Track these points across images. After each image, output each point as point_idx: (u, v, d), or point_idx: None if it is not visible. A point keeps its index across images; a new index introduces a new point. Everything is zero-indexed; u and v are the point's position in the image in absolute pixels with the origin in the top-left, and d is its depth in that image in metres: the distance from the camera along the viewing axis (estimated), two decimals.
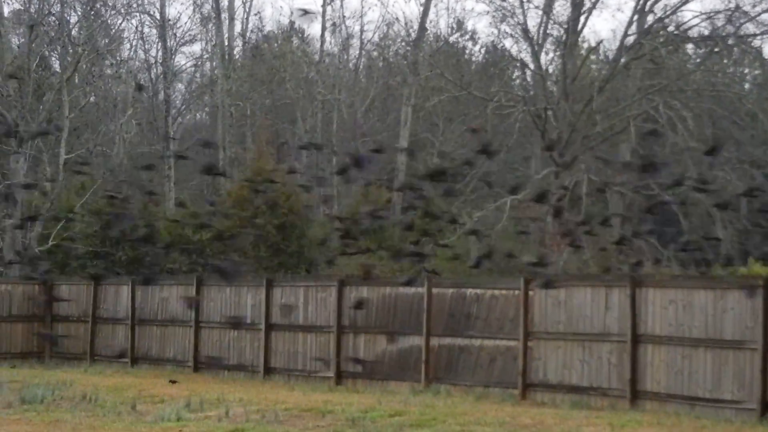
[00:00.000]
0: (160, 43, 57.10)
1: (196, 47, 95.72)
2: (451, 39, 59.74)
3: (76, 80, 47.01)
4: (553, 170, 42.68)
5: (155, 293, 33.70)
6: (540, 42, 48.07)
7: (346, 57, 62.26)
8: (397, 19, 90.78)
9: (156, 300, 33.64)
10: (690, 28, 45.37)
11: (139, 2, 56.28)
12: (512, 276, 27.55)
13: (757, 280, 22.27)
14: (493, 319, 26.36)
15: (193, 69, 63.45)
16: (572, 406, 23.57)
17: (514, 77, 55.67)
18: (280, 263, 41.04)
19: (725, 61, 48.57)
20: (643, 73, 45.04)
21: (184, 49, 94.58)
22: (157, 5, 56.86)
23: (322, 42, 61.45)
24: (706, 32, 44.93)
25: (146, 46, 60.27)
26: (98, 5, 51.40)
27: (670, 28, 45.17)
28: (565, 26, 45.84)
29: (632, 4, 45.54)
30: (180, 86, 61.44)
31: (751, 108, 43.82)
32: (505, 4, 47.87)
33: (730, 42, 45.05)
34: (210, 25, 59.92)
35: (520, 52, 61.44)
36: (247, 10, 63.49)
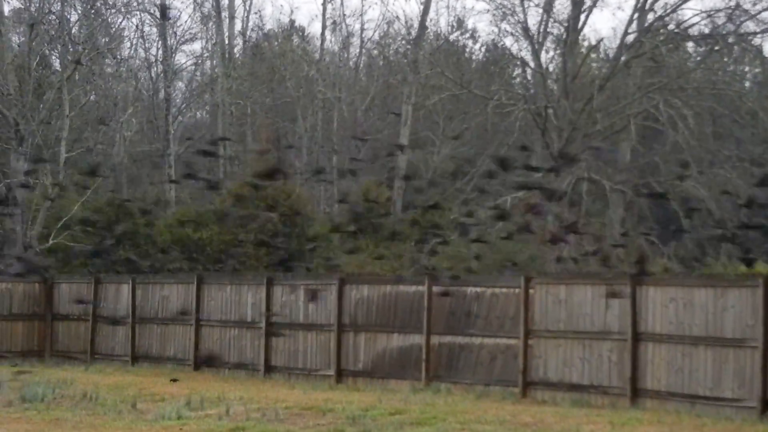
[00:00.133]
0: (160, 42, 57.11)
1: (197, 46, 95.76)
2: (452, 37, 59.75)
3: (77, 78, 47.01)
4: (552, 168, 42.59)
5: (156, 291, 33.72)
6: (540, 40, 48.11)
7: (346, 55, 62.26)
8: (397, 17, 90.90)
9: (156, 298, 33.65)
10: (690, 26, 45.41)
11: (140, 0, 56.30)
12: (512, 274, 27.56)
13: (758, 279, 22.25)
14: (494, 318, 26.36)
15: (193, 68, 63.46)
16: (573, 405, 23.57)
17: (514, 76, 55.68)
18: (280, 261, 41.03)
19: (725, 59, 48.60)
20: (644, 71, 45.06)
21: (185, 47, 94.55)
22: (157, 3, 56.85)
23: (323, 40, 61.48)
24: (707, 30, 44.96)
25: (146, 45, 60.30)
26: (98, 4, 51.38)
27: (671, 27, 45.21)
28: (566, 24, 45.87)
29: (632, 2, 45.54)
30: (180, 85, 61.46)
31: (751, 106, 43.84)
32: (505, 2, 47.97)
33: (730, 40, 45.08)
34: (210, 24, 59.96)
35: (521, 50, 61.47)
36: (248, 8, 63.47)
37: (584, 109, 43.22)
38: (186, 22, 77.57)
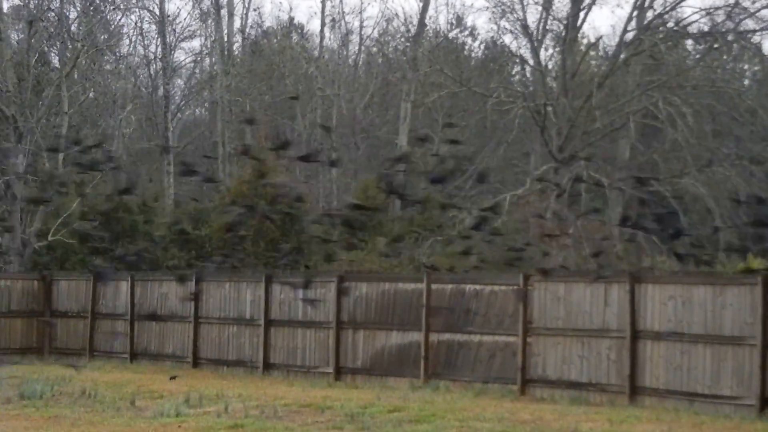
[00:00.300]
0: (159, 39, 57.09)
1: (196, 43, 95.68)
2: (451, 35, 59.74)
3: (76, 76, 46.99)
4: (552, 166, 42.68)
5: (155, 289, 33.72)
6: (539, 38, 48.08)
7: (345, 53, 62.25)
8: (396, 14, 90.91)
9: (155, 295, 33.65)
10: (689, 24, 45.35)
11: None
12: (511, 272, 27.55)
13: (756, 277, 22.25)
14: (492, 315, 26.36)
15: (192, 65, 63.45)
16: (571, 402, 23.58)
17: (513, 73, 55.67)
18: (280, 259, 41.02)
19: (725, 57, 48.56)
20: (643, 69, 45.04)
21: (184, 45, 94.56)
22: (157, 1, 56.84)
23: (322, 38, 61.49)
24: (706, 28, 44.91)
25: (145, 42, 60.28)
26: (97, 1, 51.38)
27: (670, 24, 45.15)
28: (565, 22, 45.84)
29: (632, 0, 45.47)
30: (179, 82, 61.45)
31: (750, 104, 43.81)
32: (504, 0, 47.90)
33: (729, 38, 45.02)
34: (209, 21, 59.95)
35: (520, 48, 61.53)
36: (247, 5, 63.39)
37: (583, 107, 43.19)
38: (185, 19, 77.63)
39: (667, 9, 44.61)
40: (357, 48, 62.81)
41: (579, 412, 21.35)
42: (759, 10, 43.36)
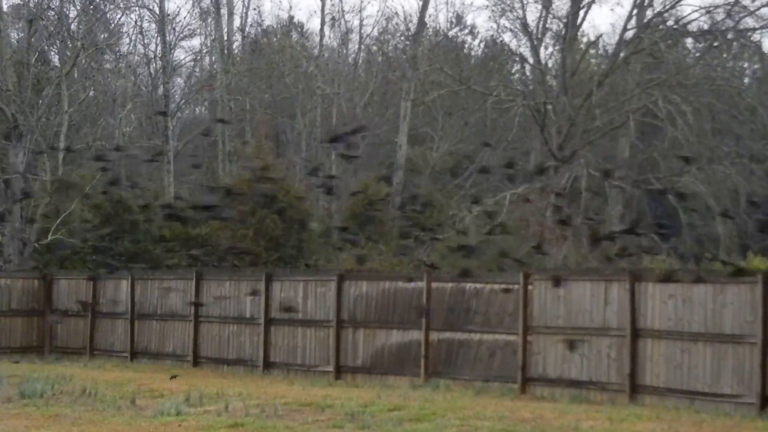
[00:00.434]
0: (159, 38, 57.08)
1: (196, 42, 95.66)
2: (451, 33, 59.78)
3: (76, 75, 46.99)
4: (552, 164, 42.67)
5: (155, 287, 33.72)
6: (539, 36, 48.11)
7: (345, 51, 62.29)
8: (396, 13, 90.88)
9: (156, 294, 33.64)
10: (689, 22, 45.40)
11: None
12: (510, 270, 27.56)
13: (756, 275, 22.25)
14: (493, 314, 26.36)
15: (192, 63, 63.45)
16: (571, 401, 23.59)
17: (513, 72, 55.69)
18: (280, 257, 41.06)
19: (724, 55, 48.57)
20: (643, 67, 45.06)
21: (184, 43, 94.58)
22: (157, 0, 56.84)
23: (321, 36, 61.50)
24: (706, 26, 44.96)
25: (145, 41, 60.29)
26: (97, 0, 51.37)
27: (670, 23, 45.16)
28: (565, 20, 45.86)
29: None
30: (179, 81, 61.46)
31: (750, 102, 43.84)
32: None
33: (729, 36, 45.05)
34: (209, 20, 59.94)
35: (520, 46, 61.51)
36: (246, 4, 63.44)
37: (583, 105, 43.21)
38: (185, 18, 77.59)
39: (667, 7, 44.65)
40: (357, 47, 62.85)
41: (579, 411, 21.36)
42: (759, 8, 43.42)
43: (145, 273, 35.11)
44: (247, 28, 62.96)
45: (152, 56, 59.18)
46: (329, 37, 62.82)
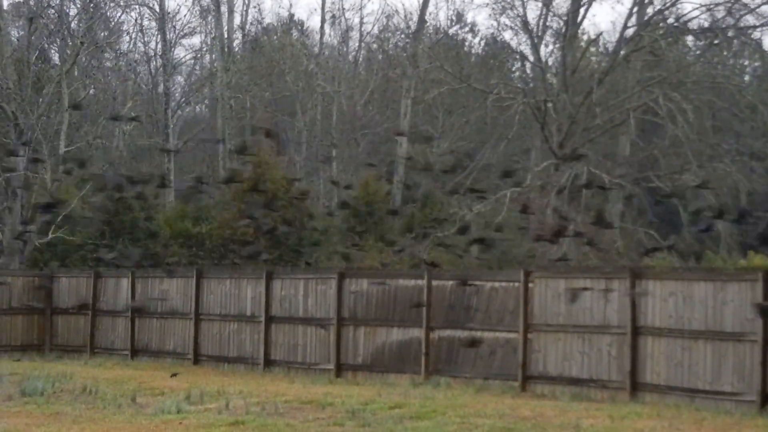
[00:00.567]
0: (159, 36, 57.09)
1: (196, 40, 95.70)
2: (451, 31, 59.80)
3: (76, 73, 46.99)
4: (552, 162, 42.69)
5: (155, 286, 33.72)
6: (540, 34, 48.10)
7: (345, 49, 62.29)
8: (396, 11, 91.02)
9: (156, 293, 33.63)
10: (690, 20, 45.40)
11: None
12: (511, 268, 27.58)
13: (757, 273, 22.24)
14: (493, 311, 26.35)
15: (192, 61, 63.45)
16: (572, 398, 23.59)
17: (513, 69, 55.69)
18: (280, 255, 41.07)
19: (725, 53, 48.56)
20: (643, 65, 45.04)
21: (184, 41, 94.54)
22: None
23: (322, 34, 61.54)
24: (706, 24, 44.96)
25: (146, 39, 60.29)
26: None
27: (670, 20, 45.16)
28: (565, 18, 45.84)
29: None
30: (179, 79, 61.46)
31: (750, 100, 43.81)
32: None
33: (729, 34, 45.03)
34: (209, 18, 59.94)
35: (520, 44, 61.39)
36: (247, 2, 63.51)
37: (583, 103, 43.20)
38: (185, 16, 77.58)
39: (668, 5, 44.64)
40: (357, 44, 62.87)
41: (580, 409, 21.36)
42: (759, 6, 43.41)
43: (146, 271, 35.09)
44: (247, 26, 63.03)
45: (152, 54, 59.22)
46: (330, 35, 62.93)
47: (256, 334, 30.74)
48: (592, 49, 52.28)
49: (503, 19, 55.48)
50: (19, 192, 40.25)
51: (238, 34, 62.27)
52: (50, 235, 40.62)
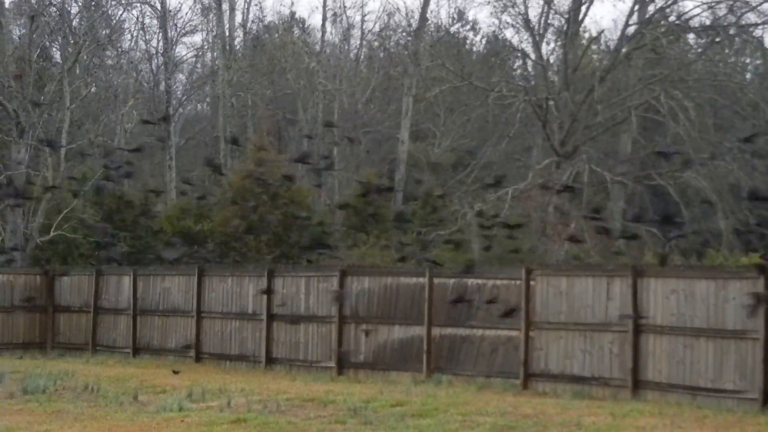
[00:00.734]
0: (160, 34, 57.08)
1: (197, 38, 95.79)
2: (452, 29, 59.79)
3: (77, 71, 47.00)
4: (554, 160, 42.70)
5: (157, 283, 33.73)
6: (541, 32, 48.11)
7: (346, 47, 62.26)
8: (398, 9, 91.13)
9: (157, 290, 33.66)
10: (691, 17, 45.42)
11: None
12: (514, 266, 27.57)
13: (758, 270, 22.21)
14: (495, 309, 26.34)
15: (193, 59, 63.46)
16: (574, 396, 23.58)
17: (515, 67, 55.68)
18: (282, 253, 41.09)
19: (726, 51, 48.53)
20: (645, 63, 45.04)
21: (185, 39, 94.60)
22: None
23: (323, 32, 61.48)
24: (708, 22, 44.94)
25: (147, 37, 60.30)
26: None
27: (672, 18, 45.16)
28: (567, 16, 45.85)
29: None
30: (181, 77, 61.47)
31: (752, 98, 43.80)
32: None
33: (731, 32, 45.02)
34: (211, 16, 59.94)
35: (522, 42, 61.55)
36: (248, 0, 63.46)
37: (585, 101, 43.20)
38: (187, 14, 77.62)
39: (669, 3, 44.65)
40: (358, 42, 62.87)
41: (582, 406, 21.36)
42: (761, 4, 43.40)
43: (147, 269, 35.13)
44: (248, 24, 63.00)
45: (154, 52, 59.23)
46: (331, 33, 62.88)
47: (258, 331, 30.75)
48: (594, 47, 52.28)
49: (505, 17, 55.68)
50: (20, 189, 40.24)
51: (240, 32, 62.30)
52: (52, 233, 40.63)
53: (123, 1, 55.20)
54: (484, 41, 60.96)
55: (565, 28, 45.85)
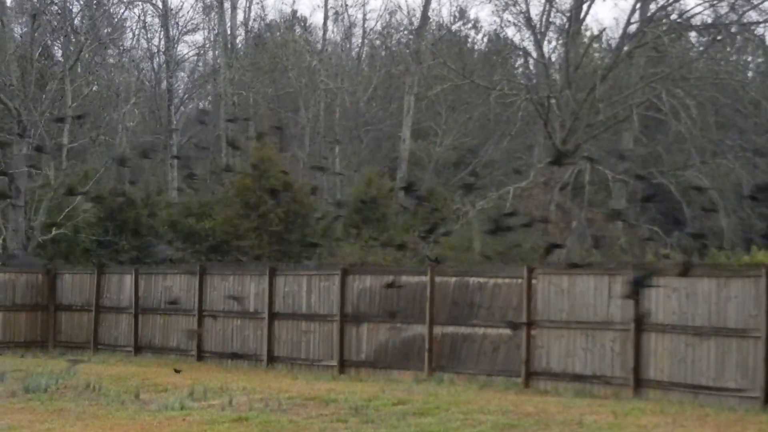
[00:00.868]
0: (162, 32, 57.10)
1: (199, 36, 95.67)
2: (454, 28, 59.77)
3: (79, 69, 47.00)
4: (553, 159, 42.62)
5: (158, 282, 33.73)
6: (543, 30, 48.10)
7: (348, 46, 62.26)
8: (399, 7, 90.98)
9: (159, 289, 33.66)
10: (693, 16, 45.36)
11: None
12: (516, 264, 27.56)
13: (760, 269, 22.22)
14: (497, 308, 26.34)
15: (195, 58, 63.46)
16: (575, 395, 23.57)
17: (516, 66, 55.67)
18: (283, 252, 41.06)
19: (728, 49, 48.53)
20: (646, 61, 45.02)
21: (187, 38, 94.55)
22: None
23: (325, 31, 61.49)
24: (709, 20, 44.91)
25: (149, 36, 60.33)
26: None
27: (673, 16, 45.14)
28: (568, 14, 45.83)
29: None
30: (182, 75, 61.48)
31: (754, 96, 43.78)
32: None
33: (733, 30, 44.99)
34: (212, 14, 59.95)
35: (523, 40, 61.45)
36: None
37: (587, 99, 43.18)
38: (188, 12, 77.61)
39: (671, 1, 44.64)
40: (360, 41, 62.86)
41: (583, 405, 21.35)
42: (762, 2, 43.40)
43: (149, 268, 35.14)
44: (250, 23, 63.02)
45: (155, 51, 59.24)
46: (332, 32, 62.87)
47: (260, 330, 30.75)
48: (595, 45, 52.27)
49: (506, 16, 55.75)
50: (22, 188, 40.25)
51: (241, 31, 62.31)
52: (53, 231, 40.63)
53: (125, 0, 55.25)
54: (485, 40, 60.98)
55: (566, 26, 45.83)
